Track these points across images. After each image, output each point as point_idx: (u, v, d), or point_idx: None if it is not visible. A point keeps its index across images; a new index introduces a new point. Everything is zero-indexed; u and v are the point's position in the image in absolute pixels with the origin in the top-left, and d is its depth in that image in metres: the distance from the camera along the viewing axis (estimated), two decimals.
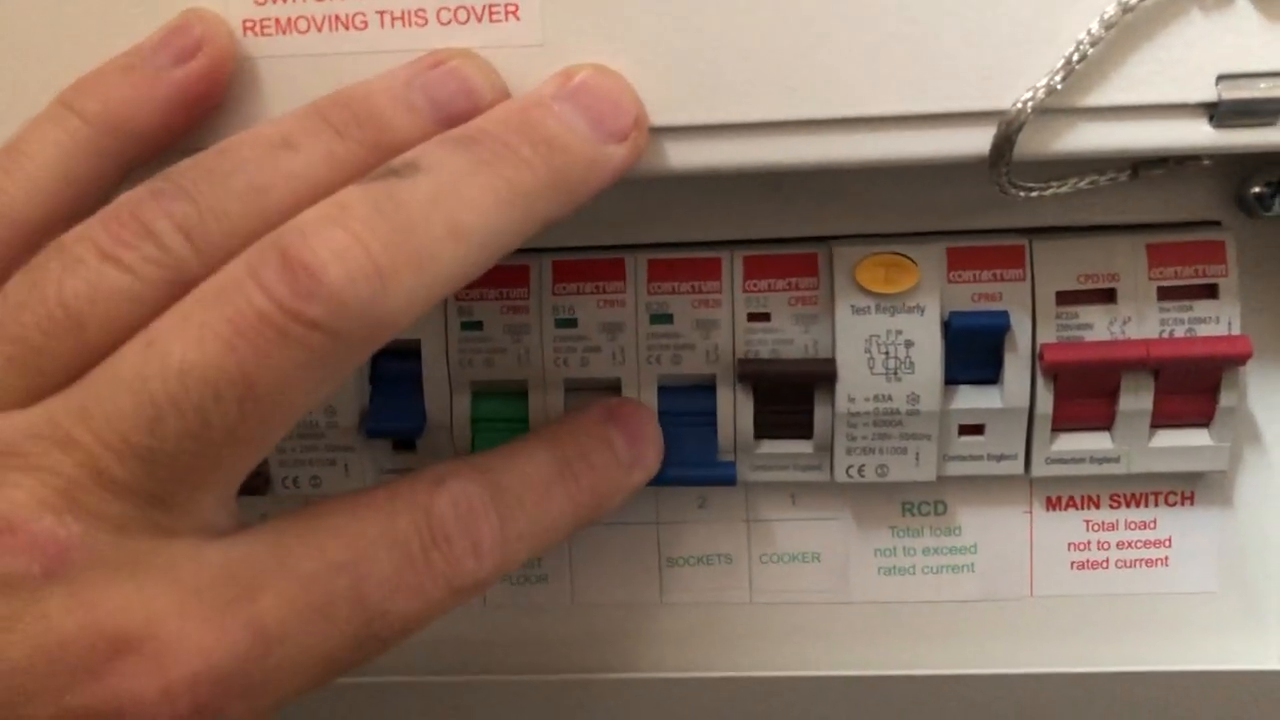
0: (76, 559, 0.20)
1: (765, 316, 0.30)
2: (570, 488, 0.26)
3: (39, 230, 0.24)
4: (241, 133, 0.23)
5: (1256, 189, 0.29)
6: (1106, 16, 0.24)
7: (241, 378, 0.20)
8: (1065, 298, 0.29)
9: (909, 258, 0.29)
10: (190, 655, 0.21)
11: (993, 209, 0.29)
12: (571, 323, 0.30)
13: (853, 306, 0.29)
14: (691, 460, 0.30)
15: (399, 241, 0.21)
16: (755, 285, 0.30)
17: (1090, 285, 0.29)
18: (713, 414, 0.30)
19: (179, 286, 0.22)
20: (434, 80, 0.24)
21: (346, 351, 0.21)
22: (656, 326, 0.30)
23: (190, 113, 0.25)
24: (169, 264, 0.22)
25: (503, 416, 0.31)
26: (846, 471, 0.30)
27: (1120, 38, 0.24)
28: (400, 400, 0.30)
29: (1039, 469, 0.30)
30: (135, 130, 0.25)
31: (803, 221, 0.30)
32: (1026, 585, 0.32)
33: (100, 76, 0.25)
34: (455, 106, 0.24)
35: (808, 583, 0.32)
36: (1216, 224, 0.30)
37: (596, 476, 0.27)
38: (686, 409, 0.30)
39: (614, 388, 0.30)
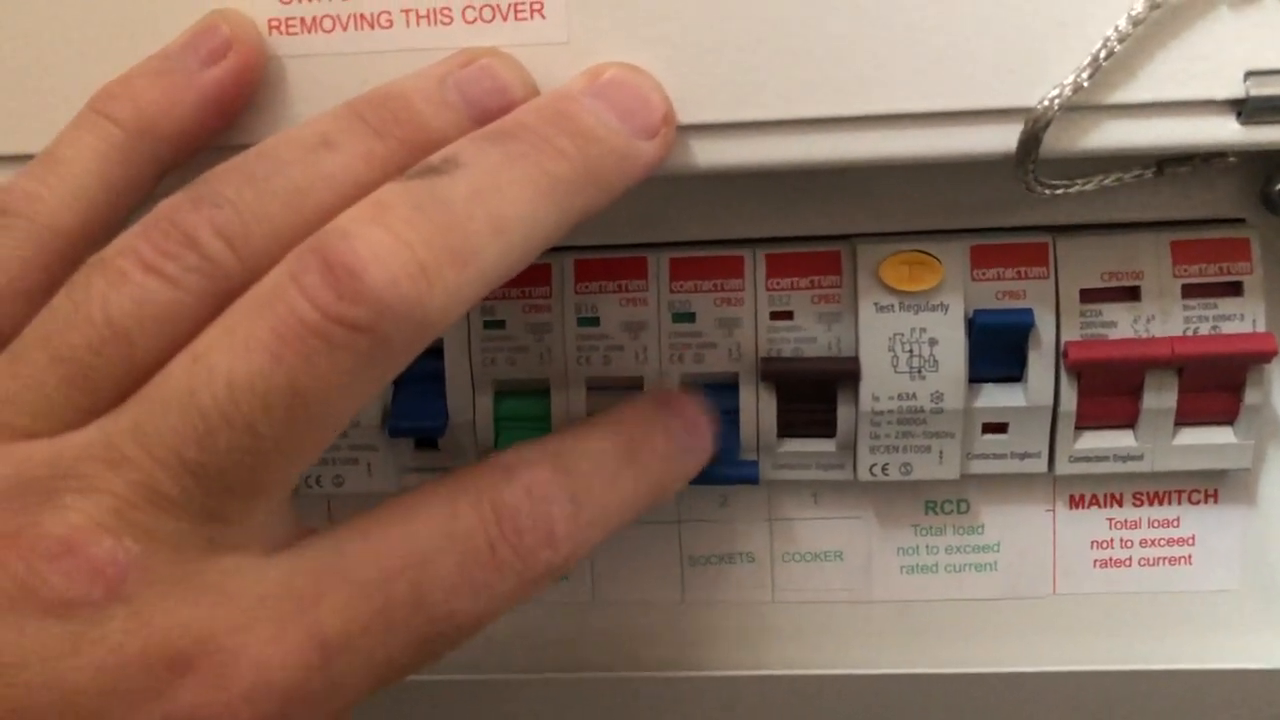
0: (135, 580, 0.20)
1: (788, 315, 0.30)
2: (638, 472, 0.26)
3: (79, 237, 0.24)
4: (279, 134, 0.23)
5: None
6: (1135, 13, 0.24)
7: (289, 387, 0.20)
8: (1089, 295, 0.29)
9: (933, 255, 0.29)
10: (250, 670, 0.21)
11: (1016, 207, 0.29)
12: (594, 321, 0.30)
13: (876, 304, 0.29)
14: (714, 459, 0.30)
15: (441, 238, 0.21)
16: (778, 283, 0.30)
17: (1114, 283, 0.29)
18: (735, 412, 0.30)
19: (225, 295, 0.21)
20: (467, 78, 0.24)
21: (392, 353, 0.21)
22: (679, 325, 0.30)
23: (223, 113, 0.25)
24: (213, 273, 0.21)
25: (525, 415, 0.31)
26: (870, 470, 0.30)
27: (1148, 34, 0.24)
28: (423, 399, 0.30)
29: (1062, 467, 0.30)
30: (169, 133, 0.25)
31: (826, 220, 0.30)
32: (1049, 583, 0.32)
33: (131, 81, 0.25)
34: (489, 103, 0.24)
35: (830, 581, 0.32)
36: (1241, 221, 0.30)
37: (660, 462, 0.27)
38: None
39: (636, 386, 0.30)
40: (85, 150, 0.24)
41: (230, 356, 0.20)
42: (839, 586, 0.32)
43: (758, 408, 0.30)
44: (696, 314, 0.30)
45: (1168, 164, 0.27)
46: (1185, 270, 0.29)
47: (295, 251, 0.21)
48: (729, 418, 0.30)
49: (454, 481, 0.24)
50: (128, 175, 0.25)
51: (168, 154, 0.25)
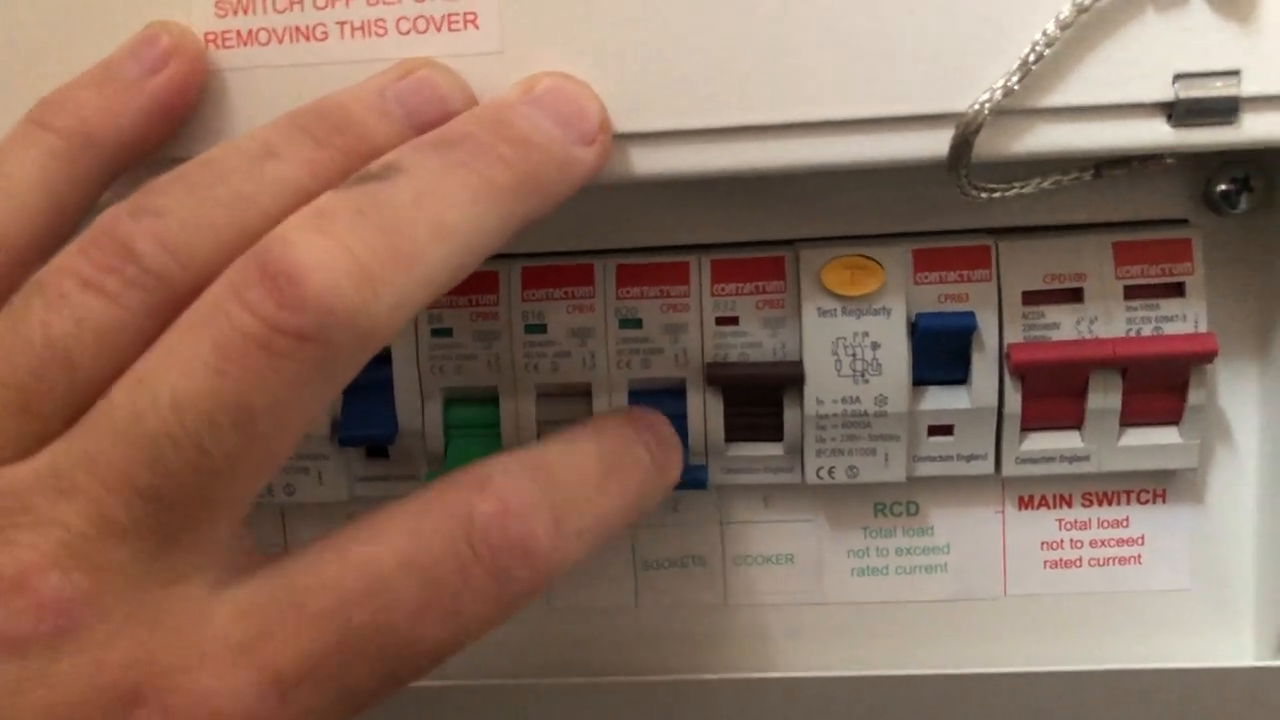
0: (85, 616, 0.20)
1: (734, 320, 0.30)
2: (621, 482, 0.25)
3: (25, 250, 0.24)
4: (221, 144, 0.23)
5: (1222, 186, 0.29)
6: (1062, 17, 0.24)
7: (236, 402, 0.20)
8: (1032, 297, 0.29)
9: (874, 260, 0.29)
10: (201, 707, 0.20)
11: (959, 209, 0.29)
12: (541, 328, 0.30)
13: (819, 309, 0.29)
14: None
15: (384, 243, 0.20)
16: (723, 289, 0.30)
17: (1057, 285, 0.29)
18: (683, 418, 0.30)
19: (169, 308, 0.21)
20: (406, 88, 0.24)
21: (339, 362, 0.21)
22: (626, 331, 0.30)
23: (165, 122, 0.25)
24: (155, 286, 0.21)
25: (475, 423, 0.31)
26: (817, 473, 0.30)
27: (1076, 38, 0.25)
28: (372, 408, 0.30)
29: (1009, 468, 0.30)
30: (112, 142, 0.25)
31: (770, 225, 0.30)
32: (1000, 584, 0.32)
33: (72, 91, 0.25)
34: (428, 113, 0.24)
35: (782, 584, 0.32)
36: (1184, 222, 0.30)
37: (642, 473, 0.26)
38: None
39: (585, 393, 0.30)
40: (27, 162, 0.24)
41: (174, 375, 0.20)
42: (790, 589, 0.32)
43: (705, 413, 0.30)
44: (643, 320, 0.30)
45: (1105, 166, 0.27)
46: (1128, 271, 0.29)
47: (235, 263, 0.21)
48: (677, 423, 0.30)
49: (421, 499, 0.23)
50: (72, 186, 0.24)
51: (111, 163, 0.25)
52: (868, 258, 0.29)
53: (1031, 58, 0.24)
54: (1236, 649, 0.31)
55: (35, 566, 0.20)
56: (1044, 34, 0.24)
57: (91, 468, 0.20)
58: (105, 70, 0.25)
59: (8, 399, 0.21)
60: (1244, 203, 0.29)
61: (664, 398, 0.30)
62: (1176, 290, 0.29)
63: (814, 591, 0.32)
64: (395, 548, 0.22)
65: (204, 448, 0.20)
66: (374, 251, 0.20)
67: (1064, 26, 0.24)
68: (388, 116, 0.24)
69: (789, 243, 0.30)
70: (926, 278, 0.29)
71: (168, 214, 0.21)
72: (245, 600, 0.21)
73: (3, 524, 0.20)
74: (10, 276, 0.23)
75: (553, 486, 0.23)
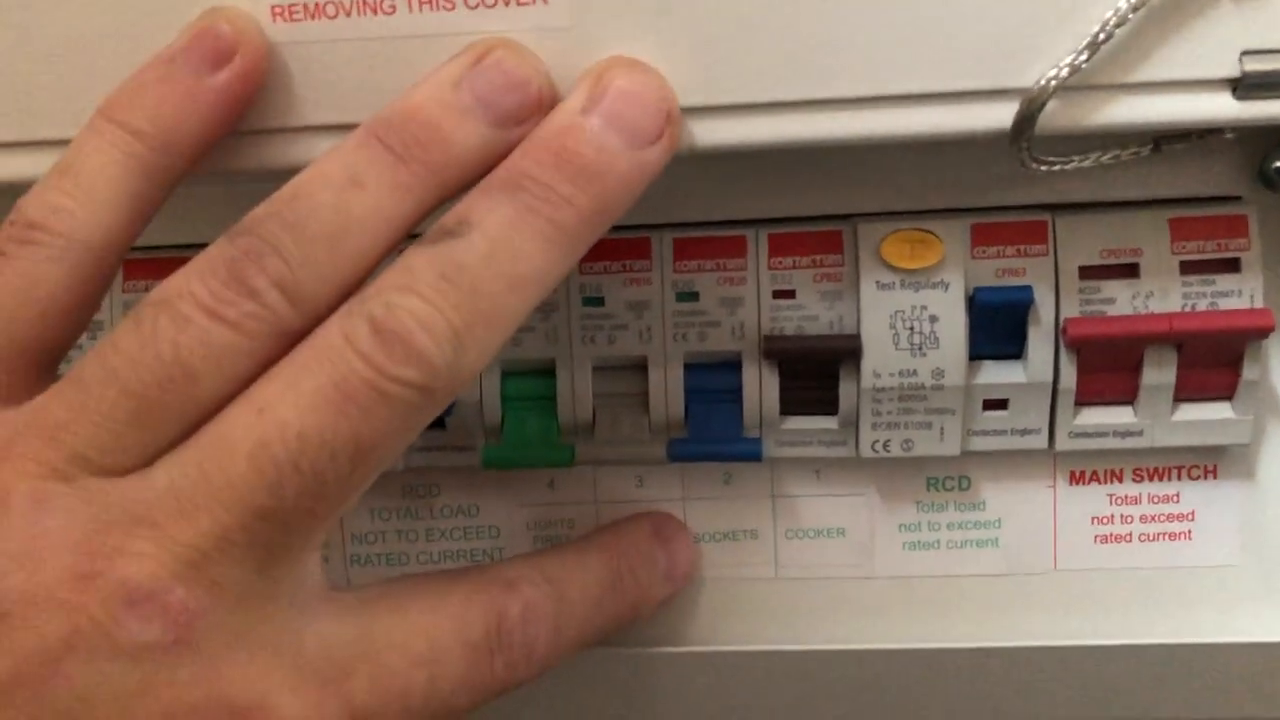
0: (202, 628, 0.22)
1: (790, 294, 0.30)
2: (618, 601, 0.29)
3: (108, 252, 0.25)
4: (308, 171, 0.24)
5: (1278, 163, 0.29)
6: None
7: (352, 437, 0.22)
8: (1088, 272, 0.29)
9: (933, 234, 0.29)
10: None
11: (1016, 185, 0.30)
12: (599, 301, 0.30)
13: (877, 282, 0.29)
14: (717, 437, 0.31)
15: (468, 304, 0.23)
16: (780, 263, 0.30)
17: (1113, 260, 0.29)
18: (738, 391, 0.30)
19: (281, 338, 0.23)
20: (480, 78, 0.24)
21: (435, 405, 0.23)
22: (682, 304, 0.30)
23: (232, 119, 0.26)
24: (270, 318, 0.23)
25: (531, 395, 0.31)
26: (872, 447, 0.30)
27: (1146, 17, 0.25)
28: None
29: (1062, 443, 0.30)
30: (185, 145, 0.25)
31: (827, 199, 0.30)
32: (1050, 559, 0.32)
33: (141, 88, 0.25)
34: (505, 103, 0.24)
35: (833, 558, 0.32)
36: (1238, 199, 0.30)
37: (640, 591, 0.30)
38: (712, 386, 0.31)
39: (640, 365, 0.31)
40: (109, 164, 0.25)
41: (298, 410, 0.22)
42: (842, 562, 0.32)
43: (760, 386, 0.30)
44: (700, 293, 0.30)
45: (1165, 141, 0.27)
46: (1183, 247, 0.29)
47: (345, 314, 0.23)
48: (732, 396, 0.30)
49: (469, 586, 0.26)
50: (149, 189, 0.25)
51: (183, 166, 0.25)
52: (927, 231, 0.29)
53: (1101, 35, 0.24)
54: None
55: (160, 578, 0.22)
56: (1115, 12, 0.24)
57: (211, 488, 0.22)
58: (169, 66, 0.25)
59: (133, 407, 0.23)
60: None
61: (720, 371, 0.30)
62: (1232, 266, 0.29)
63: (865, 565, 0.32)
64: (450, 625, 0.25)
65: (322, 476, 0.22)
66: (462, 314, 0.23)
67: (1135, 7, 0.24)
68: (466, 115, 0.24)
69: (845, 217, 0.30)
70: (984, 252, 0.29)
71: (272, 254, 0.23)
72: (329, 634, 0.24)
73: (127, 536, 0.22)
74: (93, 277, 0.25)
75: (560, 602, 0.27)
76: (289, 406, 0.22)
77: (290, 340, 0.23)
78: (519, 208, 0.23)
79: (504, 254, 0.23)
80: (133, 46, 0.26)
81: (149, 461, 0.23)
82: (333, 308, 0.23)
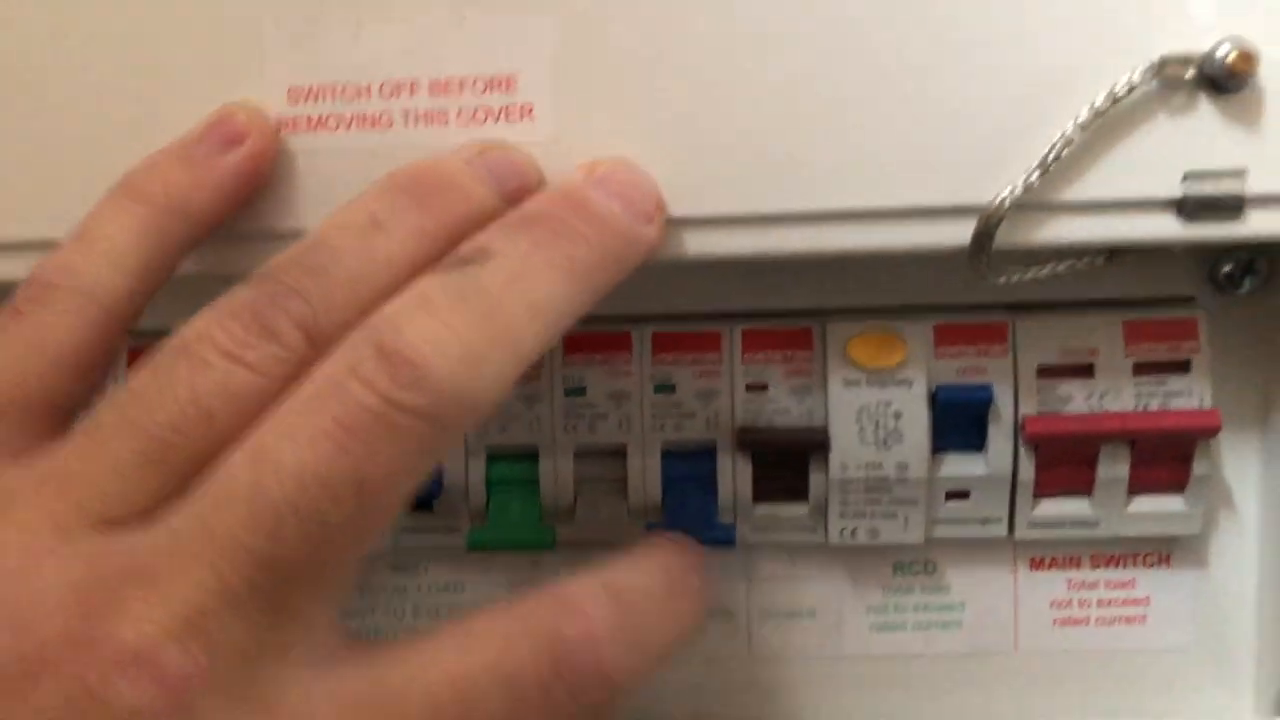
0: (200, 690, 0.20)
1: (763, 387, 0.32)
2: (681, 604, 0.26)
3: (119, 311, 0.25)
4: (331, 219, 0.24)
5: (1228, 268, 0.31)
6: (1080, 120, 0.26)
7: (355, 475, 0.21)
8: (1046, 372, 0.31)
9: (898, 334, 0.31)
10: None
11: (978, 285, 0.31)
12: (580, 391, 0.32)
13: (845, 379, 0.31)
14: (693, 522, 0.32)
15: (485, 325, 0.22)
16: (753, 358, 0.32)
17: (1069, 360, 0.31)
18: (713, 478, 0.32)
19: (296, 378, 0.22)
20: (489, 156, 0.26)
21: (446, 436, 0.22)
22: (660, 396, 0.32)
23: (241, 196, 0.27)
24: (289, 359, 0.22)
25: (516, 479, 0.32)
26: (840, 534, 0.32)
27: (1093, 138, 0.26)
28: None
29: (1022, 532, 0.32)
30: (195, 214, 0.26)
31: (798, 294, 0.32)
32: (1012, 640, 0.33)
33: (158, 164, 0.26)
34: (511, 182, 0.26)
35: (804, 638, 0.34)
36: (1191, 300, 0.31)
37: (693, 602, 0.26)
38: (688, 473, 0.32)
39: (620, 452, 0.32)
40: (121, 228, 0.25)
41: (295, 449, 0.21)
42: (813, 643, 0.34)
43: (734, 474, 0.32)
44: (677, 385, 0.32)
45: (1117, 252, 0.29)
46: (1137, 349, 0.31)
47: (347, 345, 0.22)
48: (707, 483, 0.32)
49: (511, 615, 0.23)
50: (160, 253, 0.26)
51: (193, 234, 0.26)
52: (892, 332, 0.31)
53: (1051, 156, 0.26)
54: (1236, 708, 0.33)
55: (155, 639, 0.20)
56: (1063, 134, 0.26)
57: (210, 537, 0.21)
58: (184, 147, 0.27)
59: (144, 449, 0.22)
60: (1248, 284, 0.31)
61: (695, 459, 0.32)
62: (1183, 367, 0.31)
63: (835, 645, 0.34)
64: (486, 661, 0.23)
65: (324, 519, 0.21)
66: (478, 333, 0.22)
67: (1082, 128, 0.26)
68: (479, 179, 0.25)
69: (817, 312, 0.32)
70: (947, 352, 0.31)
71: (295, 297, 0.23)
72: (345, 694, 0.22)
73: (123, 589, 0.21)
74: (106, 334, 0.25)
75: (628, 614, 0.24)
76: (287, 446, 0.21)
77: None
78: (537, 239, 0.24)
79: (525, 280, 0.23)
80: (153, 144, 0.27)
81: (156, 508, 0.22)
82: None
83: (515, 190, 0.26)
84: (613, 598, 0.24)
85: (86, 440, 0.22)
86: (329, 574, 0.22)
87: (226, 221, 0.27)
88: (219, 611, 0.21)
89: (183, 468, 0.22)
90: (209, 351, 0.22)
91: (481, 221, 0.25)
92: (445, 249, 0.24)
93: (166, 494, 0.22)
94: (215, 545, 0.21)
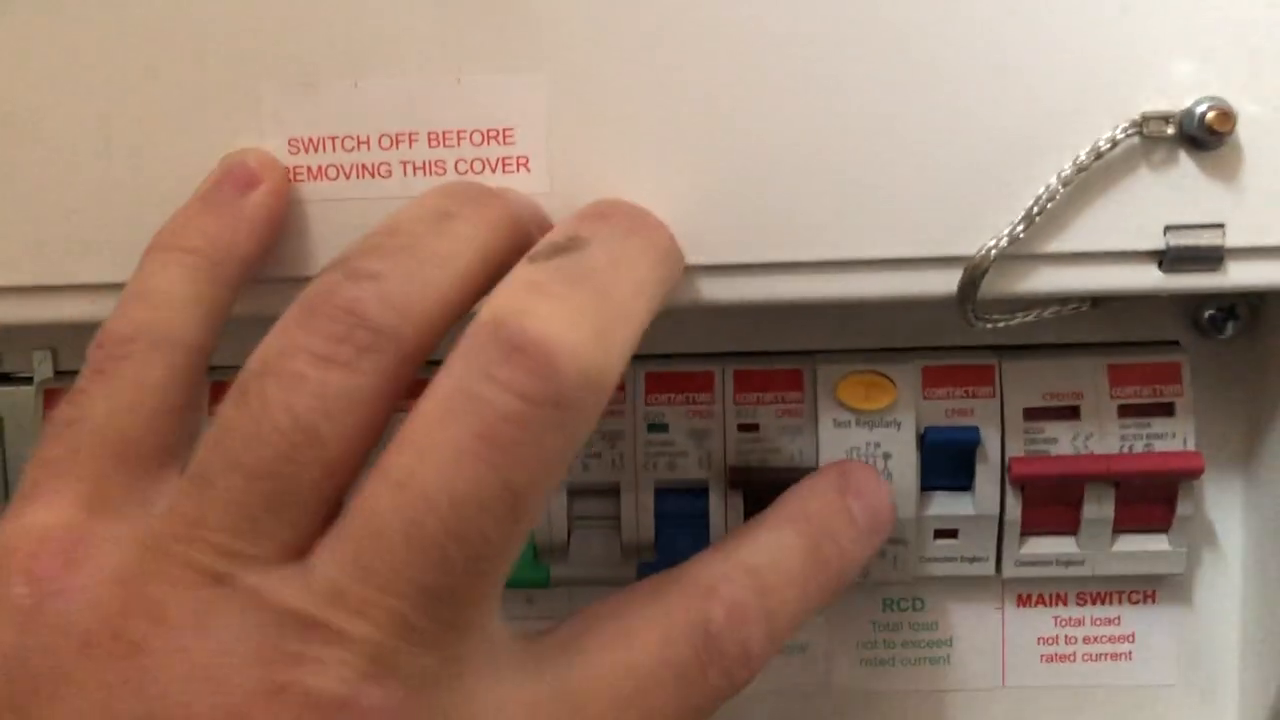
0: None
1: (755, 427, 0.32)
2: (822, 575, 0.26)
3: (197, 352, 0.24)
4: (394, 214, 0.24)
5: (1210, 313, 0.32)
6: (1064, 174, 0.26)
7: (506, 487, 0.20)
8: (1032, 414, 0.32)
9: (887, 376, 0.31)
10: None
11: (966, 328, 0.32)
12: None
13: (835, 420, 0.31)
14: (686, 559, 0.32)
15: (603, 304, 0.22)
16: (745, 398, 0.32)
17: (1055, 402, 0.32)
18: (705, 517, 0.32)
19: (401, 367, 0.22)
20: (511, 193, 0.26)
21: (585, 421, 0.22)
22: (653, 435, 0.32)
23: (274, 231, 0.27)
24: (385, 345, 0.21)
25: None
26: None
27: (1076, 191, 0.27)
28: None
29: (1009, 570, 0.32)
30: (240, 254, 0.26)
31: (790, 336, 0.33)
32: (999, 676, 0.34)
33: (186, 218, 0.26)
34: (539, 212, 0.27)
35: (794, 672, 0.34)
36: (1174, 343, 0.32)
37: (843, 558, 0.27)
38: (680, 511, 0.32)
39: (613, 491, 0.33)
40: (173, 279, 0.25)
41: (441, 474, 0.20)
42: (803, 677, 0.34)
43: (726, 513, 0.32)
44: (669, 425, 0.32)
45: (1101, 299, 0.29)
46: (1121, 391, 0.32)
47: (468, 347, 0.21)
48: (699, 521, 0.32)
49: (663, 604, 0.24)
50: (216, 292, 0.25)
51: (241, 274, 0.26)
52: (881, 374, 0.31)
53: (1035, 209, 0.27)
54: None
55: (353, 683, 0.20)
56: (1047, 188, 0.27)
57: (377, 581, 0.20)
58: (206, 197, 0.26)
59: (264, 490, 0.21)
60: (1230, 329, 0.32)
61: (687, 497, 0.32)
62: (1166, 410, 0.32)
63: (824, 679, 0.34)
64: (650, 651, 0.23)
65: (486, 538, 0.20)
66: (599, 312, 0.22)
67: (1066, 182, 0.26)
68: (511, 196, 0.26)
69: (808, 353, 0.32)
70: (935, 394, 0.32)
71: (382, 276, 0.22)
72: (529, 696, 0.22)
73: (304, 642, 0.20)
74: (191, 375, 0.24)
75: (766, 593, 0.25)
76: (432, 472, 0.20)
77: (411, 367, 0.22)
78: (618, 228, 0.24)
79: (625, 261, 0.23)
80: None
81: (300, 543, 0.21)
82: (448, 325, 0.22)
83: (543, 220, 0.26)
84: (749, 575, 0.25)
85: (199, 487, 0.21)
86: (494, 587, 0.22)
87: (261, 261, 0.27)
88: (402, 647, 0.20)
89: (310, 499, 0.21)
90: (299, 363, 0.21)
91: (532, 224, 0.25)
92: (512, 243, 0.24)
93: (305, 527, 0.21)
94: (383, 587, 0.20)
